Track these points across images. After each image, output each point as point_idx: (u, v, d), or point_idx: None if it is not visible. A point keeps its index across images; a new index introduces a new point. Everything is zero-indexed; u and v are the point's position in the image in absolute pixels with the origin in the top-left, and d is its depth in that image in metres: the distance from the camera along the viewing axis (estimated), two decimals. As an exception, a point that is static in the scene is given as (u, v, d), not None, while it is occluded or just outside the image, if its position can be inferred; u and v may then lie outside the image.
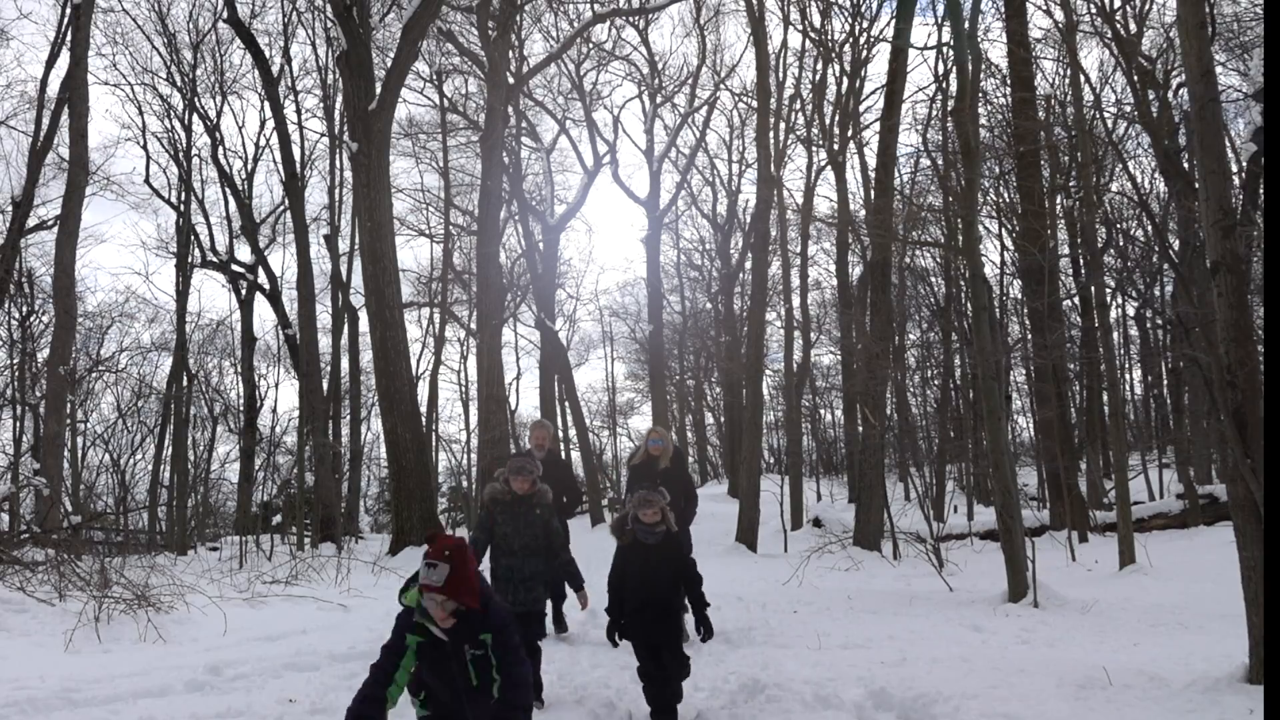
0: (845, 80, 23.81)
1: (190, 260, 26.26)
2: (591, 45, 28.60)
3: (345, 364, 27.06)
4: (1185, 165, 15.15)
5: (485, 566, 6.36)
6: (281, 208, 27.67)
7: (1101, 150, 18.55)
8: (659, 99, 30.90)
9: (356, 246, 23.66)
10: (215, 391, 31.36)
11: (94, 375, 27.69)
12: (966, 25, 11.28)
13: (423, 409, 23.42)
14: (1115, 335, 22.11)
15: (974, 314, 11.09)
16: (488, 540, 6.13)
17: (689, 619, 7.01)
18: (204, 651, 7.56)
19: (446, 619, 3.65)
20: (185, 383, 26.85)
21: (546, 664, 6.37)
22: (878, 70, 48.14)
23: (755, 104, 22.62)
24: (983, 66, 16.11)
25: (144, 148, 26.51)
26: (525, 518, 6.04)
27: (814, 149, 25.20)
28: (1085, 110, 15.84)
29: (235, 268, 26.77)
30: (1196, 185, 5.92)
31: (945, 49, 19.28)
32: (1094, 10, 15.55)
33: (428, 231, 32.17)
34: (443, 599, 3.59)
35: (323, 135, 27.73)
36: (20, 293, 23.83)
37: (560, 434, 31.63)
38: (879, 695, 5.49)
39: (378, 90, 17.71)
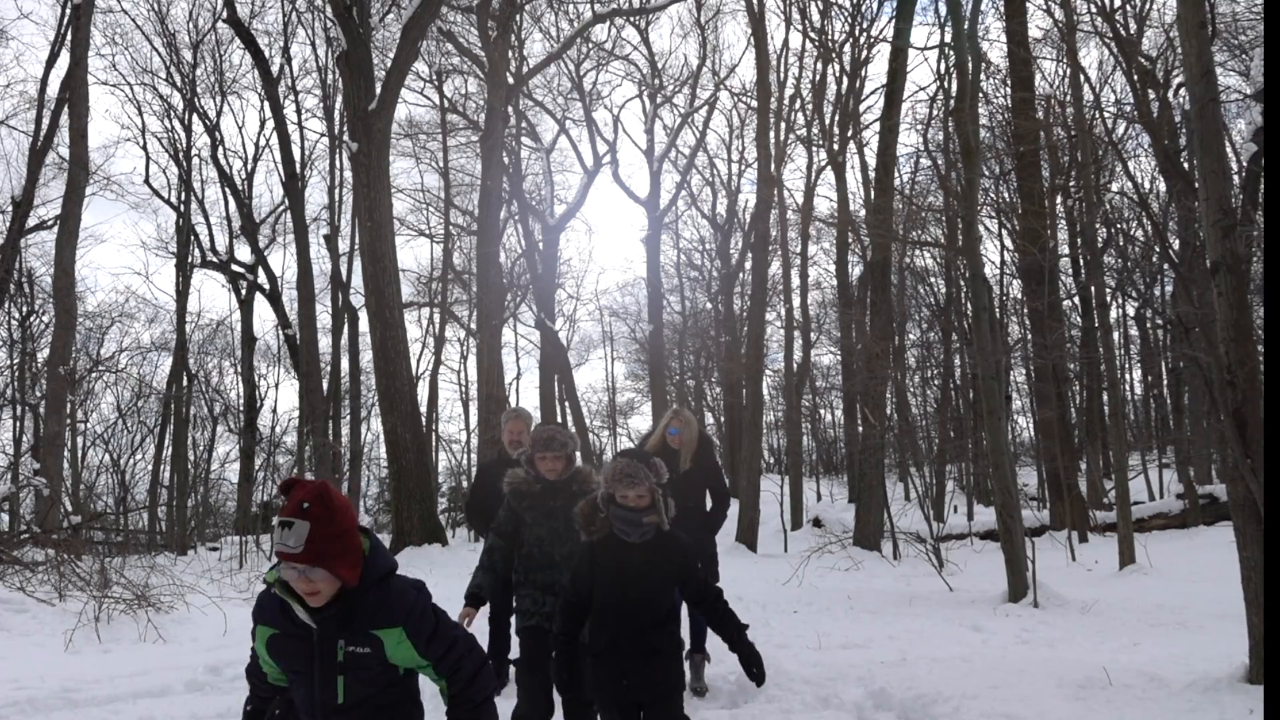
0: (845, 80, 23.83)
1: (190, 260, 26.27)
2: (591, 45, 28.60)
3: (345, 364, 27.07)
4: (1185, 165, 15.15)
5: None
6: (281, 208, 27.68)
7: (1101, 150, 18.55)
8: (659, 99, 30.90)
9: (356, 246, 23.66)
10: (215, 391, 31.38)
11: (94, 375, 27.69)
12: (966, 25, 11.30)
13: (423, 409, 23.42)
14: (1115, 335, 22.12)
15: (974, 314, 11.09)
16: (511, 549, 4.49)
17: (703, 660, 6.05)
18: (204, 651, 7.56)
19: (315, 594, 2.54)
20: (185, 383, 26.86)
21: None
22: (878, 70, 48.16)
23: (755, 104, 22.64)
24: (983, 66, 16.11)
25: (144, 148, 26.56)
26: (565, 512, 4.25)
27: (814, 149, 25.23)
28: (1085, 110, 15.84)
29: (235, 268, 26.79)
30: (1196, 185, 5.92)
31: (945, 49, 19.30)
32: (1094, 10, 15.56)
33: (428, 231, 32.19)
34: (304, 567, 2.50)
35: (323, 135, 27.76)
36: (20, 293, 23.83)
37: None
38: (879, 695, 5.49)
39: (378, 90, 17.70)
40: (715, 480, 6.28)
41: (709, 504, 6.27)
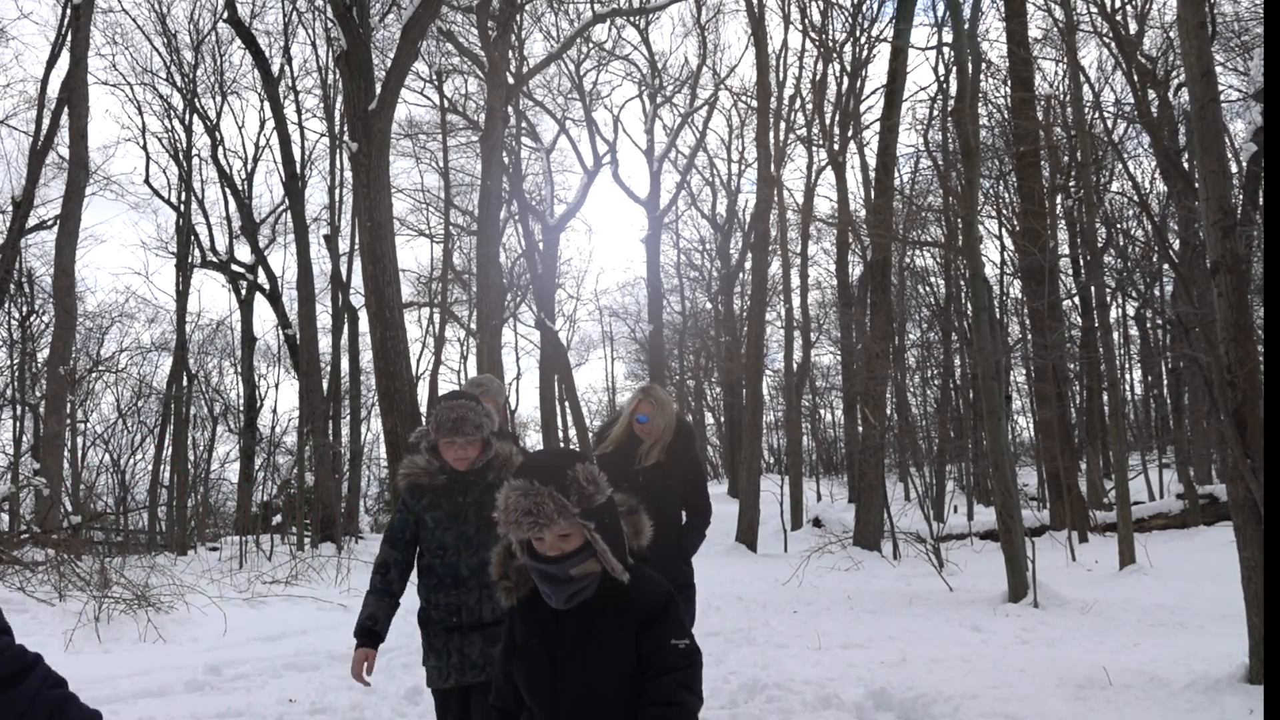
0: (845, 80, 23.84)
1: (190, 260, 26.27)
2: (591, 45, 28.63)
3: (345, 364, 27.07)
4: (1185, 165, 15.14)
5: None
6: (281, 208, 27.69)
7: (1101, 150, 18.55)
8: (659, 99, 30.93)
9: (356, 246, 23.66)
10: (215, 391, 31.40)
11: (94, 375, 27.72)
12: (966, 25, 11.30)
13: (423, 409, 23.42)
14: (1115, 335, 22.12)
15: (974, 314, 11.09)
16: (409, 562, 3.44)
17: None
18: (204, 651, 7.56)
19: None
20: (185, 383, 26.86)
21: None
22: (878, 70, 48.15)
23: (755, 104, 22.65)
24: (983, 66, 16.11)
25: (144, 148, 26.56)
26: (480, 510, 3.26)
27: (814, 149, 25.23)
28: (1085, 110, 15.84)
29: (235, 268, 26.80)
30: (1196, 185, 5.93)
31: (945, 49, 19.31)
32: (1094, 10, 15.56)
33: (428, 231, 32.21)
34: None
35: (323, 135, 27.75)
36: (20, 293, 23.84)
37: (561, 430, 31.61)
38: (879, 695, 5.49)
39: (378, 90, 17.71)
40: (694, 485, 4.61)
41: (686, 517, 4.64)
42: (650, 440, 4.53)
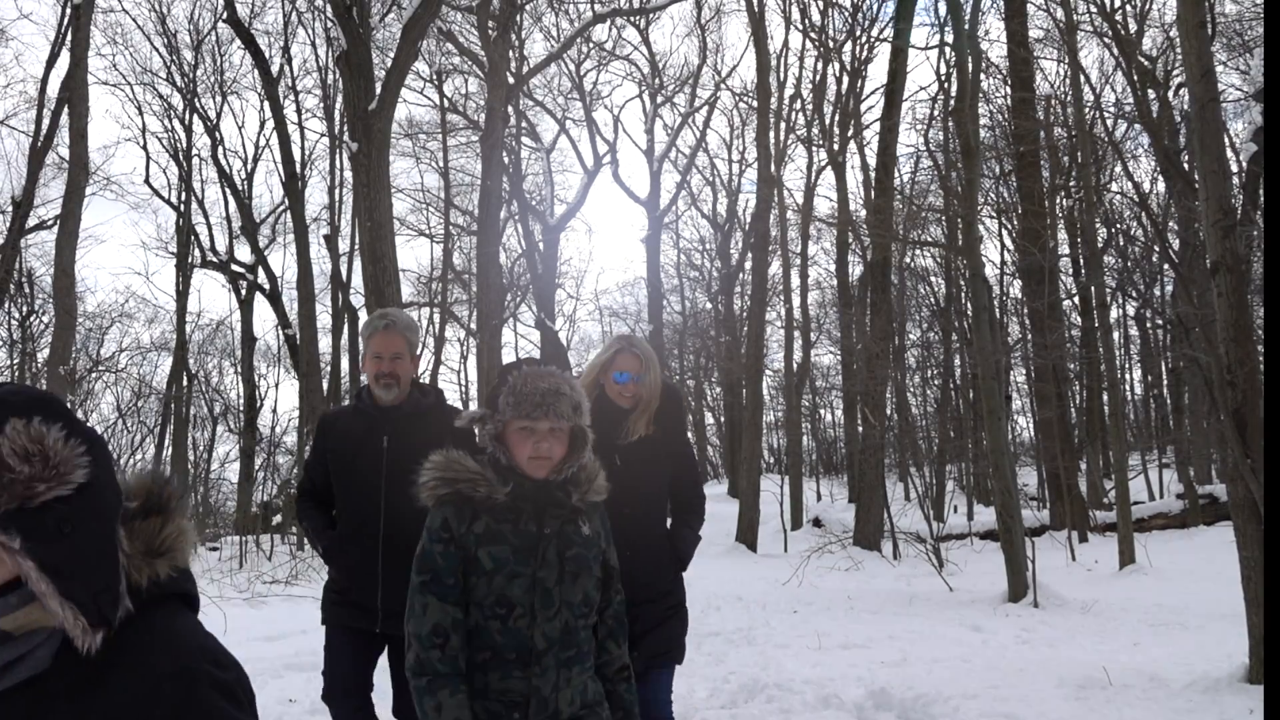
0: (845, 80, 23.86)
1: (190, 260, 26.31)
2: (592, 45, 28.63)
3: (345, 364, 27.08)
4: (1185, 165, 15.14)
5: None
6: (281, 208, 27.72)
7: (1101, 150, 18.55)
8: (659, 99, 30.93)
9: (356, 246, 23.67)
10: (215, 391, 31.44)
11: (94, 375, 27.72)
12: (967, 25, 11.30)
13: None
14: (1115, 335, 22.12)
15: (974, 314, 11.09)
16: (460, 613, 2.16)
17: None
18: (204, 651, 7.56)
19: None
20: (185, 383, 26.89)
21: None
22: (878, 70, 48.22)
23: (755, 104, 22.64)
24: (983, 66, 16.12)
25: (144, 148, 26.59)
26: (560, 548, 2.22)
27: (814, 149, 25.23)
28: (1085, 110, 15.85)
29: (235, 268, 26.82)
30: (1196, 185, 5.93)
31: (945, 49, 19.32)
32: (1094, 10, 15.56)
33: (428, 231, 32.21)
34: None
35: (323, 135, 27.77)
36: (20, 293, 23.85)
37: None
38: (879, 695, 5.49)
39: (378, 90, 17.71)
40: (685, 471, 3.42)
41: (675, 513, 3.46)
42: (638, 411, 3.24)
